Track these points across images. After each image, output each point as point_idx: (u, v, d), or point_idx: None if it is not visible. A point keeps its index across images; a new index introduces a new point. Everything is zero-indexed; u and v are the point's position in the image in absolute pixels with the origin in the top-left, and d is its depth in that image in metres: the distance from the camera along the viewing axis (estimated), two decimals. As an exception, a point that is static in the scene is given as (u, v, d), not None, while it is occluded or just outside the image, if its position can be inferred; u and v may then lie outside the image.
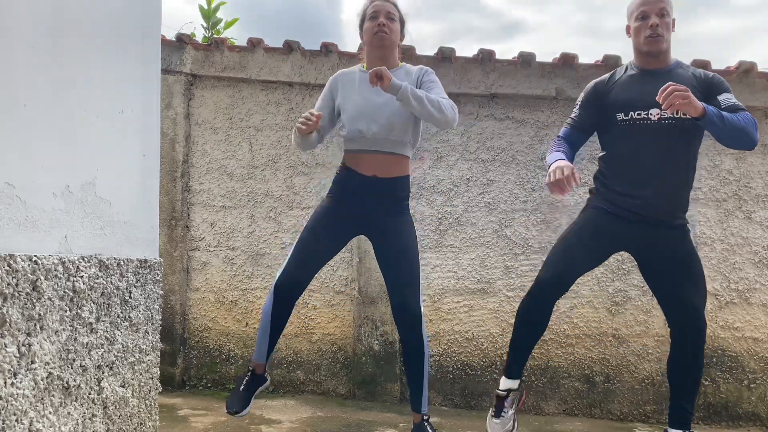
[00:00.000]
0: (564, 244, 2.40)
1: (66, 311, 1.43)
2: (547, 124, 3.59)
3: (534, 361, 3.42)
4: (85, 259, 1.51)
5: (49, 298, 1.37)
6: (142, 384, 1.79)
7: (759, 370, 3.46)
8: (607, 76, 2.48)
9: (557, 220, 3.53)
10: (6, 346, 1.24)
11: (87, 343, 1.51)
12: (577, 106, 2.50)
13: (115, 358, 1.64)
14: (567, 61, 3.51)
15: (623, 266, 3.48)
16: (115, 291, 1.64)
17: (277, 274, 2.38)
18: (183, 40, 3.67)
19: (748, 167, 3.56)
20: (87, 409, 1.53)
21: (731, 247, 3.53)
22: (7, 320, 1.24)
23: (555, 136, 2.53)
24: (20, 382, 1.28)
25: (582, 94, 2.51)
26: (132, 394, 1.73)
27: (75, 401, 1.48)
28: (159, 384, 1.90)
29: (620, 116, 2.34)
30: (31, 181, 1.35)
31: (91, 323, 1.53)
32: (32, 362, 1.32)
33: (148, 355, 1.82)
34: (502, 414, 2.37)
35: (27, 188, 1.34)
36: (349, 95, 2.42)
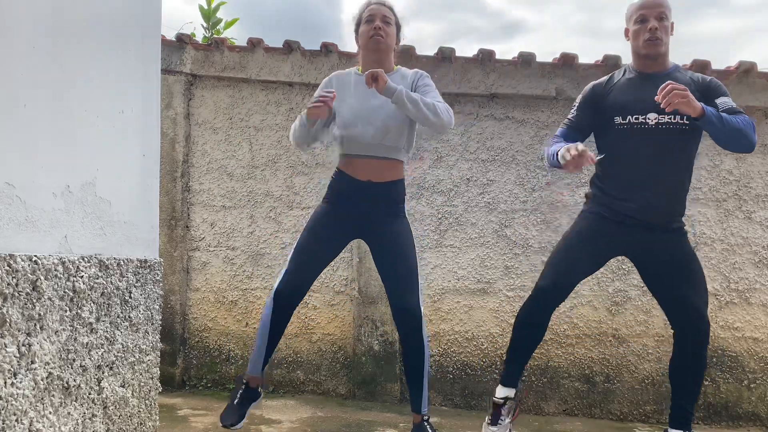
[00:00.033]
0: (563, 250, 2.41)
1: (66, 311, 1.43)
2: (547, 124, 3.58)
3: (534, 361, 3.42)
4: (85, 259, 1.51)
5: (49, 298, 1.37)
6: (142, 384, 1.79)
7: (759, 370, 3.46)
8: (605, 78, 2.49)
9: (557, 220, 3.53)
10: (6, 346, 1.24)
11: (87, 343, 1.51)
12: (575, 107, 2.50)
13: (115, 358, 1.64)
14: (567, 61, 3.51)
15: (623, 266, 3.48)
16: (115, 291, 1.64)
17: (276, 281, 2.36)
18: (183, 40, 3.67)
19: (748, 167, 3.56)
20: (87, 409, 1.53)
21: (731, 247, 3.53)
22: (7, 320, 1.24)
23: (552, 136, 2.53)
24: (20, 382, 1.28)
25: (580, 96, 2.51)
26: (132, 394, 1.73)
27: (75, 401, 1.48)
28: (159, 384, 1.90)
29: (618, 120, 2.34)
30: (31, 181, 1.35)
31: (91, 323, 1.53)
32: (32, 362, 1.32)
33: (148, 355, 1.82)
34: (499, 422, 2.38)
35: (27, 188, 1.34)
36: (345, 98, 2.41)
